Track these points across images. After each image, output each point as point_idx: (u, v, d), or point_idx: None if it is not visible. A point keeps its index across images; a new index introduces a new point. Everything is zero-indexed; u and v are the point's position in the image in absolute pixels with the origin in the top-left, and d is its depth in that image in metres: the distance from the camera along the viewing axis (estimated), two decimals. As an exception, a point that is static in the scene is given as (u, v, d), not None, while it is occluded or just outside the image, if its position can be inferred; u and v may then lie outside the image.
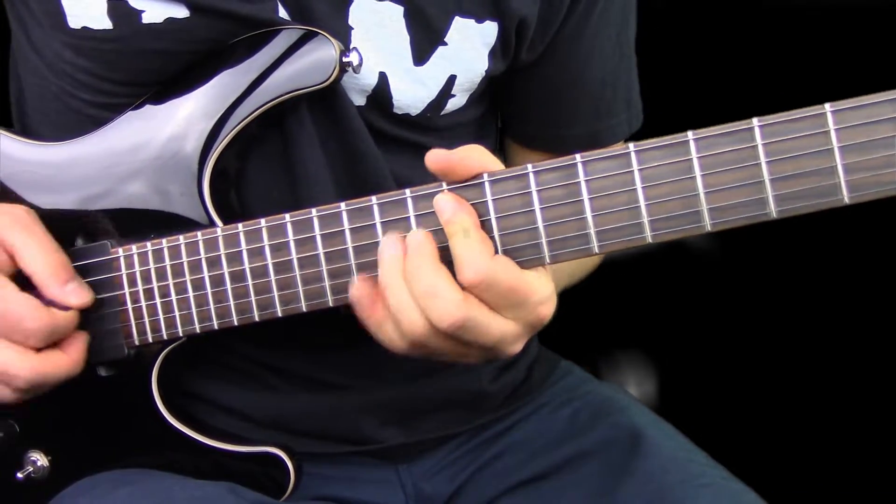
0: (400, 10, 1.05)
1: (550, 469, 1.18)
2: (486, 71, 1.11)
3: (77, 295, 1.02)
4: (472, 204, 0.89)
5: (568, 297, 1.27)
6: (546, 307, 0.91)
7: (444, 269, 0.87)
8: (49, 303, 1.00)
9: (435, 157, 0.89)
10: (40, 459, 1.08)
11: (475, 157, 0.90)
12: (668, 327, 1.88)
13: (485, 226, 0.89)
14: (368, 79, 1.06)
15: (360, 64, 1.01)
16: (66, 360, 1.01)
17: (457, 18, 1.07)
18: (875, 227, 1.66)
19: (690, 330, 1.86)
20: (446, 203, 0.89)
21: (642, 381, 1.91)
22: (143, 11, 1.01)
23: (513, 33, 1.10)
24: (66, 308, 1.01)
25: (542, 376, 1.28)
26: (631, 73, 1.24)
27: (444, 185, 0.90)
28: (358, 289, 0.92)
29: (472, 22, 1.08)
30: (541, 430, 1.22)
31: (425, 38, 1.07)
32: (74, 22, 1.03)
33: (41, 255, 1.01)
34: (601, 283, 1.82)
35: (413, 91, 1.08)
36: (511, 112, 1.24)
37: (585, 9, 1.14)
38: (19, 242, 1.01)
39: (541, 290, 0.89)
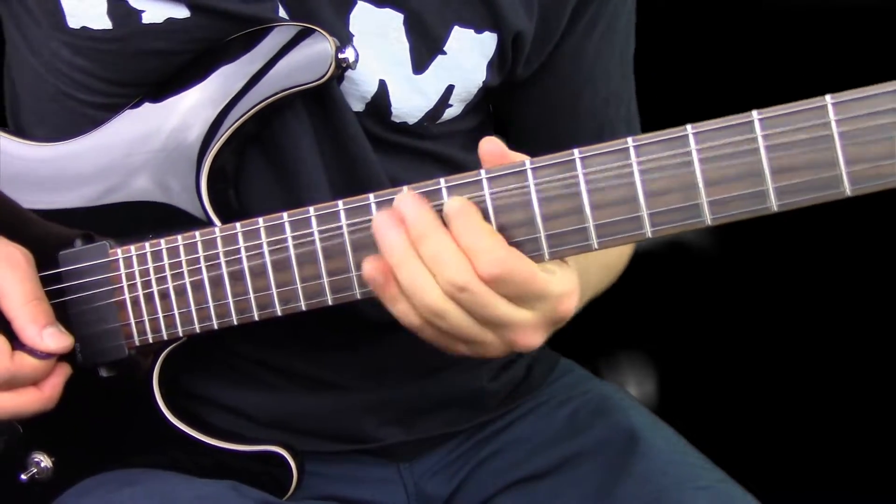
0: (400, 17, 1.06)
1: (548, 468, 1.17)
2: (483, 82, 1.11)
3: (55, 339, 0.99)
4: (471, 198, 0.88)
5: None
6: (567, 301, 0.88)
7: (448, 232, 0.86)
8: (27, 349, 0.98)
9: (489, 148, 0.89)
10: (44, 461, 1.08)
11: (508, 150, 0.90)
12: (668, 327, 1.88)
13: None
14: (368, 86, 1.06)
15: (357, 60, 1.01)
16: (36, 397, 1.00)
17: (456, 28, 1.07)
18: (875, 227, 1.66)
19: (690, 330, 1.86)
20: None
21: (642, 381, 1.91)
22: (143, 11, 1.02)
23: (509, 46, 1.10)
24: (45, 355, 0.99)
25: (542, 375, 1.28)
26: (632, 90, 1.24)
27: (442, 182, 0.89)
28: (371, 268, 0.88)
29: (471, 32, 1.08)
30: (539, 429, 1.22)
31: (424, 47, 1.07)
32: (74, 22, 1.03)
33: (21, 301, 0.99)
34: (601, 282, 1.83)
35: (412, 100, 1.08)
36: (512, 130, 1.23)
37: (585, 29, 1.14)
38: (4, 285, 0.99)
39: (561, 283, 0.88)
